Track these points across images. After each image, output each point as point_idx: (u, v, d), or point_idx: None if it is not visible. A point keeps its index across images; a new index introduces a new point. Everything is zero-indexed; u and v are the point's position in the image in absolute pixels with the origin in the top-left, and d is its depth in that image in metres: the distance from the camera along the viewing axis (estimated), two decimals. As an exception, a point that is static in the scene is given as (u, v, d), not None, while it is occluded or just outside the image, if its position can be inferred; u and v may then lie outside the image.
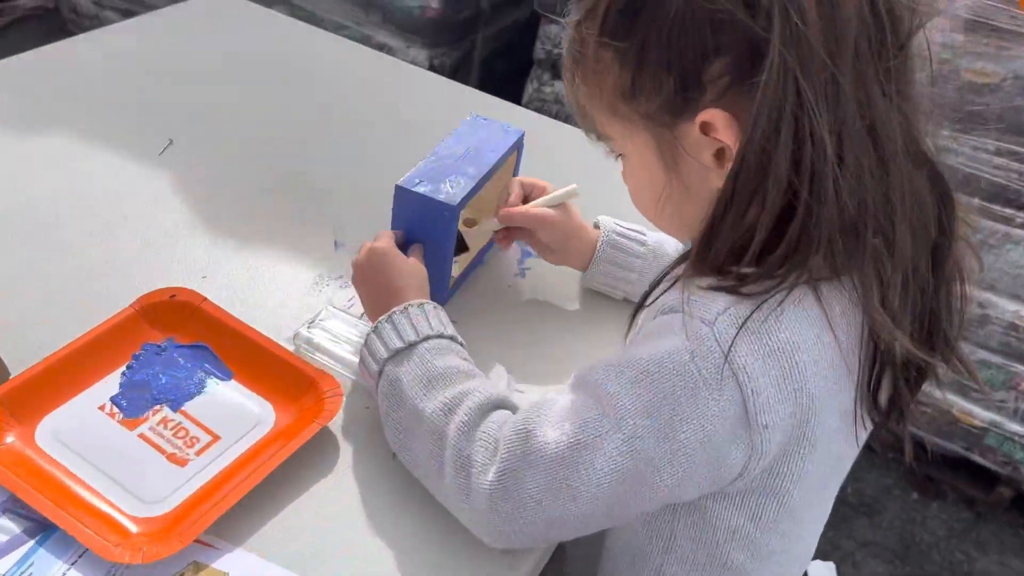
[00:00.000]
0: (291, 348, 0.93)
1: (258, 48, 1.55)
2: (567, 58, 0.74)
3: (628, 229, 1.05)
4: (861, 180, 0.63)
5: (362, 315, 0.96)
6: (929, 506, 2.01)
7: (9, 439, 0.81)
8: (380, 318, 0.85)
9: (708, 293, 0.67)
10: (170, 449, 0.83)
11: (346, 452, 0.86)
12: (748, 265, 0.66)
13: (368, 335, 0.85)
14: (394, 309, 0.84)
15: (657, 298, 0.72)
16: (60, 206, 1.11)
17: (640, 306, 0.75)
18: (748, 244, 0.65)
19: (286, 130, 1.34)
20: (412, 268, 0.91)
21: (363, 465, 0.85)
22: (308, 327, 0.95)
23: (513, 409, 0.79)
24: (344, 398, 0.88)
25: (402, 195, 0.96)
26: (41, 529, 0.75)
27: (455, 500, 0.77)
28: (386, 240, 0.93)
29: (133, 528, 0.76)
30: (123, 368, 0.90)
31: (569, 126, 1.53)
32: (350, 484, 0.83)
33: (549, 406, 0.74)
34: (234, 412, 0.88)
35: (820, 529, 0.88)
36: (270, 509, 0.80)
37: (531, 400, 0.77)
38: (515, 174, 1.11)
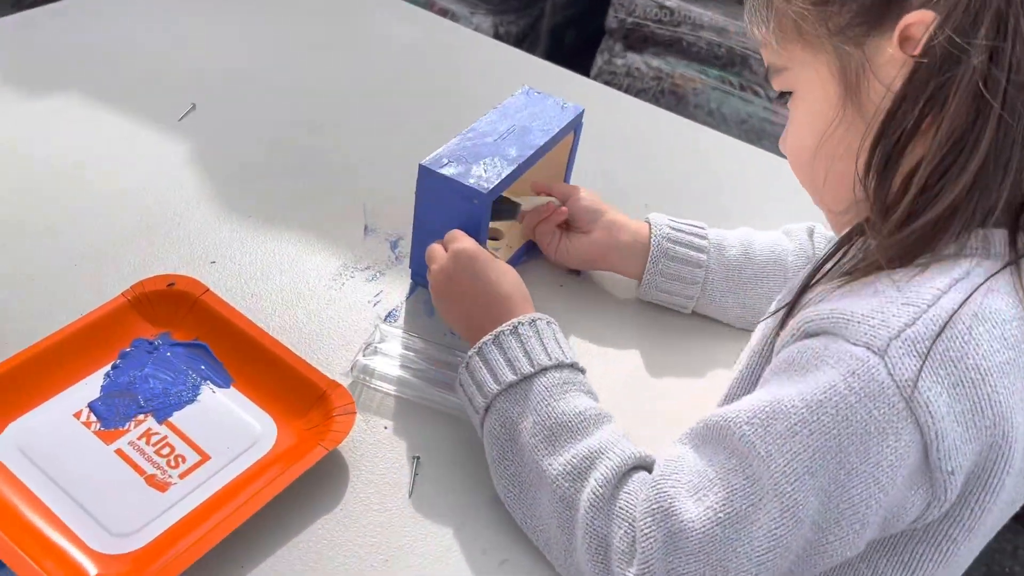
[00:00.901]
0: (309, 363, 0.80)
1: (304, 8, 1.42)
2: None
3: (685, 223, 0.90)
4: None
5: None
6: (1022, 534, 1.82)
7: (-35, 450, 0.70)
8: (484, 338, 0.72)
9: (866, 303, 0.57)
10: (150, 470, 0.71)
11: (356, 482, 0.73)
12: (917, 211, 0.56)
13: (470, 358, 0.73)
14: (501, 328, 0.72)
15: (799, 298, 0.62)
16: (53, 178, 0.99)
17: (796, 301, 0.63)
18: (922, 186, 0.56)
19: (323, 101, 1.20)
20: (510, 272, 0.79)
21: (376, 499, 0.72)
22: (364, 353, 0.81)
23: (651, 468, 0.65)
24: (357, 416, 0.75)
25: (426, 177, 0.82)
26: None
27: None
28: (469, 240, 0.80)
29: (92, 569, 0.64)
30: (107, 368, 0.78)
31: (639, 101, 1.37)
32: (358, 522, 0.70)
33: (681, 469, 0.61)
34: (229, 427, 0.75)
35: None
36: (259, 550, 0.67)
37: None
38: (571, 158, 0.96)
